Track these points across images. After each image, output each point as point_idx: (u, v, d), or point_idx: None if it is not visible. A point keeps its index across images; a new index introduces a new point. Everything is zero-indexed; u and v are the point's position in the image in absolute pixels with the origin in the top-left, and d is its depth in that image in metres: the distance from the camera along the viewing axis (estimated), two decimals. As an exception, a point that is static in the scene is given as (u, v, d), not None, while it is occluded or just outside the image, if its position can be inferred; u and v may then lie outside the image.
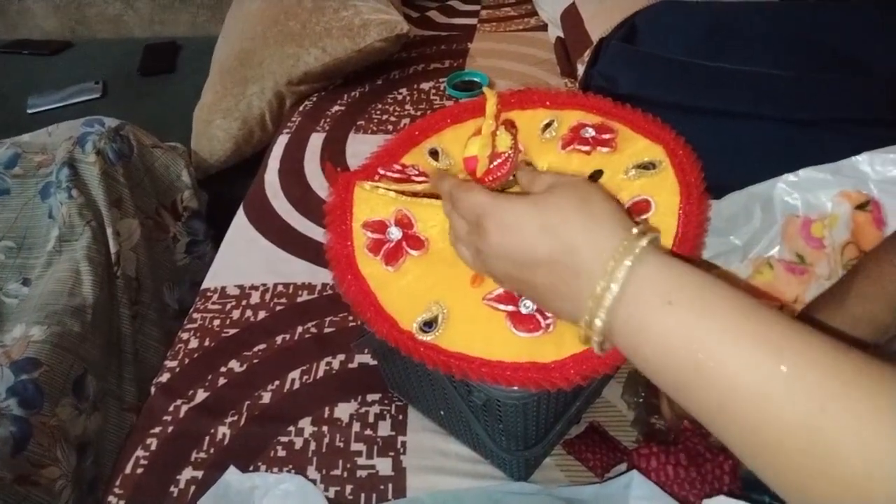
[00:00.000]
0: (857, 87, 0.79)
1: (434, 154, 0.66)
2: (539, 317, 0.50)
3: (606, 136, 0.60)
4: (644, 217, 0.53)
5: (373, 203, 0.60)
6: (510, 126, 0.59)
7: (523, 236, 0.41)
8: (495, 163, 0.53)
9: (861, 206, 0.64)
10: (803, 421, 0.30)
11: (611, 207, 0.41)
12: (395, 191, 0.59)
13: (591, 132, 0.61)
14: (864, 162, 0.64)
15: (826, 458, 0.29)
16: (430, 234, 0.58)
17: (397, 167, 0.64)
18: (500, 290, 0.52)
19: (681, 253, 0.51)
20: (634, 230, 0.39)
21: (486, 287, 0.53)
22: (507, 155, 0.53)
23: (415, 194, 0.59)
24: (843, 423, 0.29)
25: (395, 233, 0.58)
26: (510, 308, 0.51)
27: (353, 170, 0.64)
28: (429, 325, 0.52)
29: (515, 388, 0.50)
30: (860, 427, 0.29)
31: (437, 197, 0.57)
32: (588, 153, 0.60)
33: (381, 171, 0.62)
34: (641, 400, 0.70)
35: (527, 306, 0.51)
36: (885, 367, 0.31)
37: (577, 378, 0.47)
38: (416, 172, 0.63)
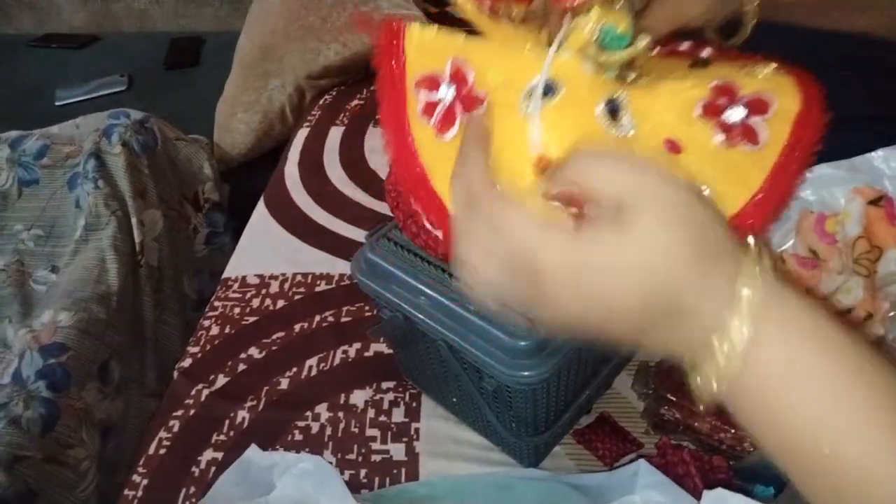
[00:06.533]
0: (872, 84, 0.78)
1: None
2: None
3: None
4: (760, 118, 0.43)
5: (427, 51, 0.46)
6: None
7: (601, 285, 0.30)
8: None
9: (874, 202, 0.64)
10: None
11: (717, 225, 0.30)
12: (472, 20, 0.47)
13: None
14: (880, 158, 0.63)
15: None
16: (490, 85, 0.44)
17: None
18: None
19: (785, 169, 0.43)
20: (748, 261, 0.30)
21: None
22: None
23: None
24: None
25: (446, 91, 0.44)
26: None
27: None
28: None
29: (525, 373, 0.51)
30: None
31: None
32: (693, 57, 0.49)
33: None
34: (651, 391, 0.71)
35: None
36: None
37: None
38: None
